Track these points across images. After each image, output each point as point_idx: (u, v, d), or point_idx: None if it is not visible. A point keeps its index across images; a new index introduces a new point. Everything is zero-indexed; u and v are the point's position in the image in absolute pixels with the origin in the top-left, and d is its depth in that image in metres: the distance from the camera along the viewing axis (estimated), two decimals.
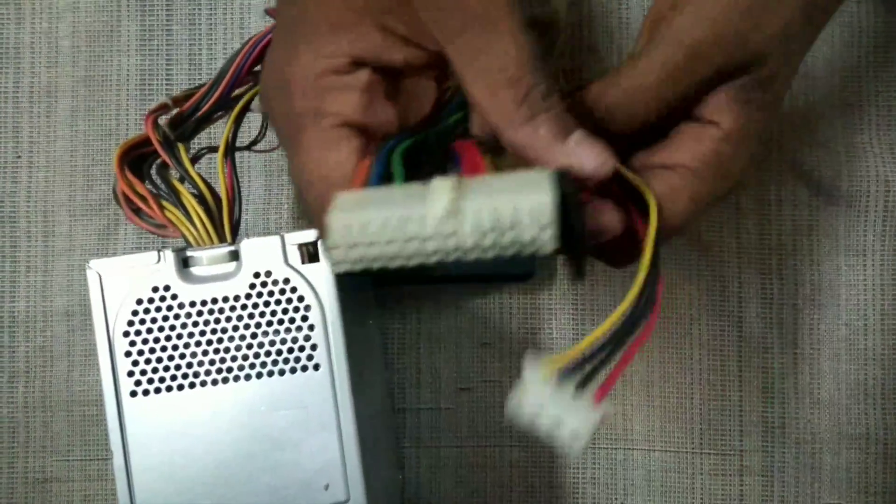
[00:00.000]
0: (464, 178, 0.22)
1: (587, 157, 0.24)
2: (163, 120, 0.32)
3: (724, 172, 0.27)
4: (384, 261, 0.21)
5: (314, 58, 0.24)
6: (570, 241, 0.22)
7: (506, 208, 0.20)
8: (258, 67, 0.31)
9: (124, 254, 0.42)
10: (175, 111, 0.32)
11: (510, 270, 0.41)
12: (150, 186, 0.30)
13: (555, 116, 0.24)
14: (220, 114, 0.33)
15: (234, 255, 0.29)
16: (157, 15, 0.43)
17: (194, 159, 0.31)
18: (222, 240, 0.29)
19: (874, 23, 0.43)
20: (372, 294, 0.41)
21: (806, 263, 0.43)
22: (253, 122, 0.36)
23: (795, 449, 0.42)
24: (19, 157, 0.43)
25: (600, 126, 0.26)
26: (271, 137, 0.39)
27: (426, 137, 0.25)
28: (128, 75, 0.43)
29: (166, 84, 0.43)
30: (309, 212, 0.25)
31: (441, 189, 0.21)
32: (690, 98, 0.27)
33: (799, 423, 0.42)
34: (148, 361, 0.28)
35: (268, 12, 0.34)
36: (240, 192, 0.31)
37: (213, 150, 0.33)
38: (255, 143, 0.35)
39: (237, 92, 0.31)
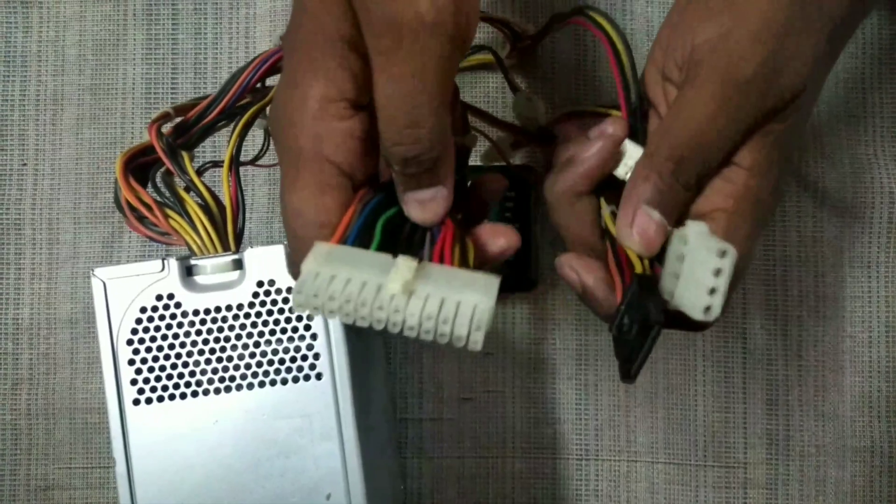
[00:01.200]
0: (427, 264, 0.24)
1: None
2: (166, 128, 0.32)
3: (761, 202, 0.27)
4: (338, 315, 0.23)
5: (314, 99, 0.25)
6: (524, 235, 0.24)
7: (451, 303, 0.23)
8: (260, 85, 0.31)
9: (128, 262, 0.42)
10: (178, 120, 0.33)
11: (514, 280, 0.41)
12: (154, 194, 0.30)
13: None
14: (222, 123, 0.33)
15: (238, 264, 0.29)
16: (163, 24, 0.44)
17: (199, 172, 0.31)
18: (226, 249, 0.29)
19: (879, 36, 0.43)
20: None
21: (811, 275, 0.42)
22: (256, 136, 0.36)
23: (800, 461, 0.42)
24: (25, 164, 0.43)
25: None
26: (273, 153, 0.39)
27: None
28: (133, 84, 0.44)
29: (171, 93, 0.44)
30: (290, 243, 0.26)
31: (403, 268, 0.23)
32: (733, 146, 0.27)
33: (803, 436, 0.42)
34: (151, 370, 0.28)
35: (283, 39, 0.35)
36: (244, 202, 0.31)
37: (218, 164, 0.33)
38: (258, 158, 0.35)
39: (243, 102, 0.31)
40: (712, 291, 0.24)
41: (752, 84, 0.26)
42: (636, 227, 0.26)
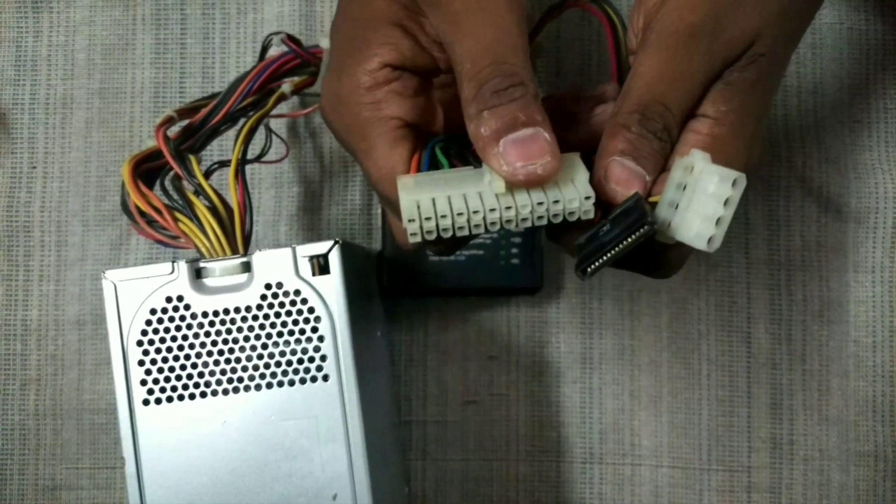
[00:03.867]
0: None
1: (511, 159, 0.25)
2: (173, 132, 0.32)
3: (728, 154, 0.27)
4: (452, 230, 0.25)
5: (361, 73, 0.27)
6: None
7: (550, 186, 0.25)
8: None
9: (136, 264, 0.43)
10: (185, 122, 0.33)
11: (518, 283, 0.42)
12: (163, 198, 0.30)
13: (500, 114, 0.25)
14: (227, 125, 0.34)
15: (247, 267, 0.29)
16: (172, 29, 0.44)
17: (206, 174, 0.32)
18: (234, 251, 0.30)
19: (883, 41, 0.43)
20: (380, 306, 0.41)
21: (815, 280, 0.43)
22: (259, 136, 0.36)
23: (804, 466, 0.42)
24: (34, 167, 0.44)
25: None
26: (278, 148, 0.39)
27: (460, 137, 0.28)
28: (142, 88, 0.44)
29: (180, 96, 0.44)
30: (384, 202, 0.29)
31: (494, 172, 0.25)
32: (693, 95, 0.27)
33: (807, 440, 0.42)
34: (160, 370, 0.28)
35: (285, 42, 0.35)
36: (251, 205, 0.31)
37: (225, 164, 0.34)
38: (262, 154, 0.36)
39: (247, 102, 0.32)
40: (718, 221, 0.24)
41: (697, 36, 0.26)
42: (612, 179, 0.26)
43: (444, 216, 0.25)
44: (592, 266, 0.25)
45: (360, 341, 0.30)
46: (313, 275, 0.29)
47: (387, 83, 0.28)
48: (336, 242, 0.29)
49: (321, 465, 0.28)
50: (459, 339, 0.43)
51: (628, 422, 0.43)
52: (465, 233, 0.25)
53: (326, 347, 0.28)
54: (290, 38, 0.36)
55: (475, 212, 0.25)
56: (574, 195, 0.25)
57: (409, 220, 0.25)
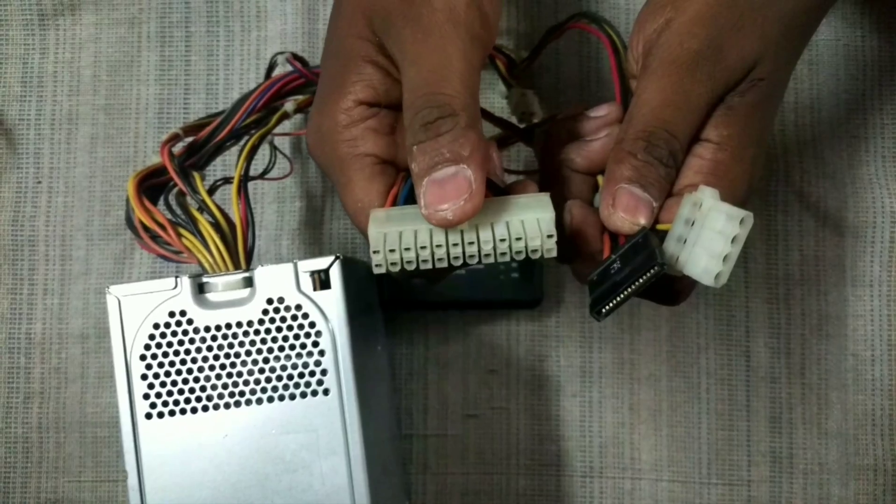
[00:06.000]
0: None
1: (430, 200, 0.25)
2: (178, 149, 0.33)
3: (729, 179, 0.28)
4: (416, 263, 0.26)
5: (337, 112, 0.28)
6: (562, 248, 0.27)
7: (515, 223, 0.26)
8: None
9: (139, 278, 0.43)
10: (189, 140, 0.33)
11: (518, 297, 0.42)
12: (167, 214, 0.31)
13: (425, 150, 0.25)
14: (231, 142, 0.34)
15: (249, 282, 0.29)
16: (176, 46, 0.45)
17: (211, 190, 0.32)
18: (237, 267, 0.30)
19: (879, 57, 0.44)
20: (381, 320, 0.41)
21: (813, 294, 0.43)
22: (262, 153, 0.37)
23: (803, 479, 0.42)
24: (39, 182, 0.44)
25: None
26: (281, 165, 0.40)
27: None
28: (146, 104, 0.45)
29: (184, 113, 0.45)
30: (362, 233, 0.29)
31: None
32: (696, 121, 0.28)
33: (807, 454, 0.42)
34: (163, 384, 0.29)
35: (289, 61, 0.36)
36: (253, 221, 0.31)
37: (229, 181, 0.34)
38: (266, 172, 0.36)
39: (251, 120, 0.32)
40: (725, 258, 0.25)
41: (698, 62, 0.27)
42: (619, 206, 0.27)
43: (407, 249, 0.26)
44: (607, 307, 0.26)
45: (361, 355, 0.30)
46: (314, 290, 0.29)
47: (362, 120, 0.28)
48: (337, 258, 0.29)
49: (321, 479, 0.28)
50: (460, 353, 0.43)
51: (628, 435, 0.43)
52: (429, 266, 0.26)
53: (327, 362, 0.29)
54: (295, 58, 0.36)
55: (438, 246, 0.26)
56: (536, 234, 0.25)
57: (374, 252, 0.26)
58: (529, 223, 0.26)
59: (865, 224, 0.43)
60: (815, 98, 0.44)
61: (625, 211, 0.27)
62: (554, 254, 0.25)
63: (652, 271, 0.25)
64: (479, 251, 0.26)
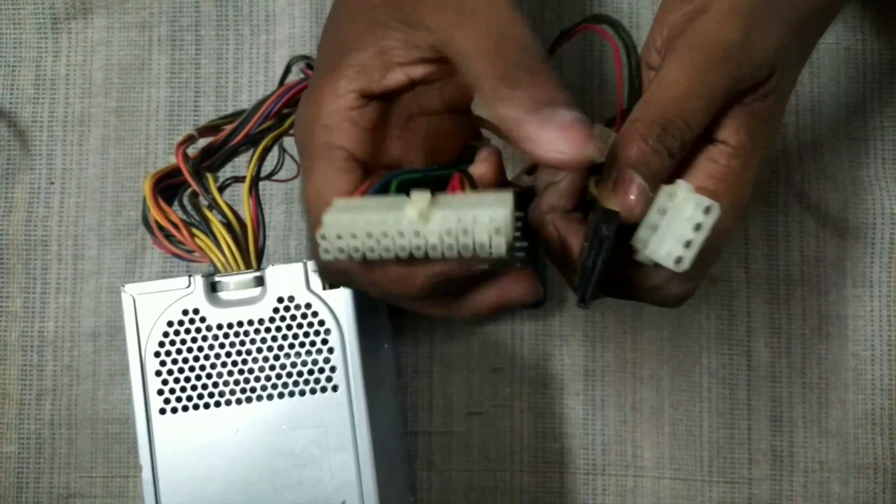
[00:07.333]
0: (440, 195, 0.25)
1: (558, 140, 0.24)
2: (193, 151, 0.34)
3: (738, 186, 0.28)
4: (363, 251, 0.24)
5: (332, 97, 0.27)
6: (532, 253, 0.25)
7: (467, 216, 0.24)
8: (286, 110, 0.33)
9: (150, 277, 0.44)
10: (204, 143, 0.34)
11: None
12: (181, 214, 0.31)
13: (534, 87, 0.24)
14: (244, 147, 0.35)
15: (260, 281, 0.30)
16: (187, 49, 0.45)
17: (221, 188, 0.33)
18: (248, 266, 0.31)
19: (880, 60, 0.44)
20: (387, 319, 0.42)
21: (813, 294, 0.43)
22: (273, 154, 0.37)
23: (804, 478, 0.42)
24: (52, 183, 0.45)
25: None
26: (289, 167, 0.40)
27: (428, 177, 0.27)
28: (157, 106, 0.45)
29: (194, 115, 0.45)
30: (308, 228, 0.28)
31: (417, 198, 0.24)
32: (712, 115, 0.27)
33: (807, 453, 0.43)
34: (177, 381, 0.29)
35: (303, 70, 0.37)
36: (264, 221, 0.32)
37: (238, 180, 0.35)
38: (274, 173, 0.37)
39: (264, 126, 0.33)
40: (688, 244, 0.25)
41: (727, 53, 0.26)
42: (619, 189, 0.26)
43: (354, 236, 0.24)
44: (586, 294, 0.26)
45: (369, 353, 0.31)
46: (324, 288, 0.30)
47: (346, 108, 0.27)
48: None
49: (330, 473, 0.29)
50: (464, 352, 0.44)
51: (630, 433, 0.43)
52: (376, 256, 0.25)
53: (336, 359, 0.29)
54: (309, 67, 0.37)
55: (383, 235, 0.24)
56: (484, 229, 0.24)
57: (321, 237, 0.24)
58: (482, 219, 0.24)
59: (865, 225, 0.43)
60: (815, 101, 0.44)
61: (623, 194, 0.26)
62: (503, 252, 0.24)
63: (603, 242, 0.25)
64: (425, 243, 0.24)
